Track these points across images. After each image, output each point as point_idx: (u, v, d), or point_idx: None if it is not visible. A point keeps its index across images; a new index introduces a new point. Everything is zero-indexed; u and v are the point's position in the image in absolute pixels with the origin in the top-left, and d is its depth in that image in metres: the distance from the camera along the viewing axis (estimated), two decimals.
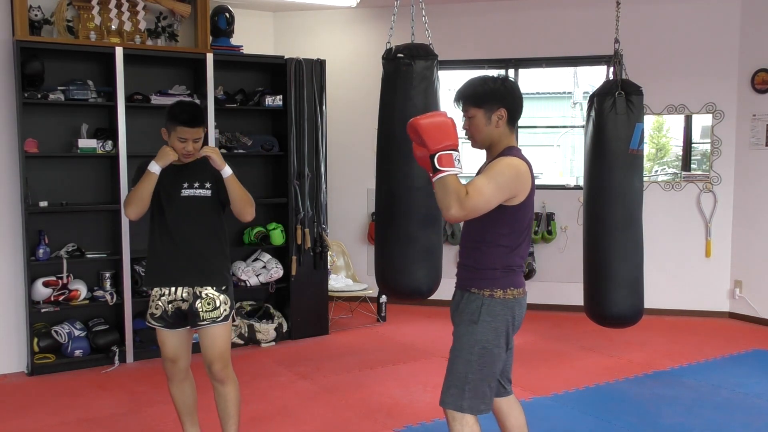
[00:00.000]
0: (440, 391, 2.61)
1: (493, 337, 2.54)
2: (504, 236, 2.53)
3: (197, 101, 5.21)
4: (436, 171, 2.31)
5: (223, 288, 3.10)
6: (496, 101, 2.53)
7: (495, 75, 2.62)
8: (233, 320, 3.21)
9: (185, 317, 3.09)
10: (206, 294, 3.05)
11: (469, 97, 2.55)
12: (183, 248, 3.06)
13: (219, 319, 3.05)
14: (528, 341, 5.44)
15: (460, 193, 2.31)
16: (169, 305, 3.07)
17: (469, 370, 2.52)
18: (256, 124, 5.78)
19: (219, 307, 3.06)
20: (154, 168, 3.00)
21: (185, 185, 3.06)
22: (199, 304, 3.04)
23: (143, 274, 3.25)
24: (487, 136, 2.55)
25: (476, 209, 2.37)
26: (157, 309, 3.10)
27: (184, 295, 3.06)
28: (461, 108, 2.60)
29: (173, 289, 3.07)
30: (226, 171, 3.03)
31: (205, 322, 3.04)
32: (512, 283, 2.56)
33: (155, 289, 3.11)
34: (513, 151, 2.54)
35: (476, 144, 2.62)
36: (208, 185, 3.08)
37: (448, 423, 2.58)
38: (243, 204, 3.07)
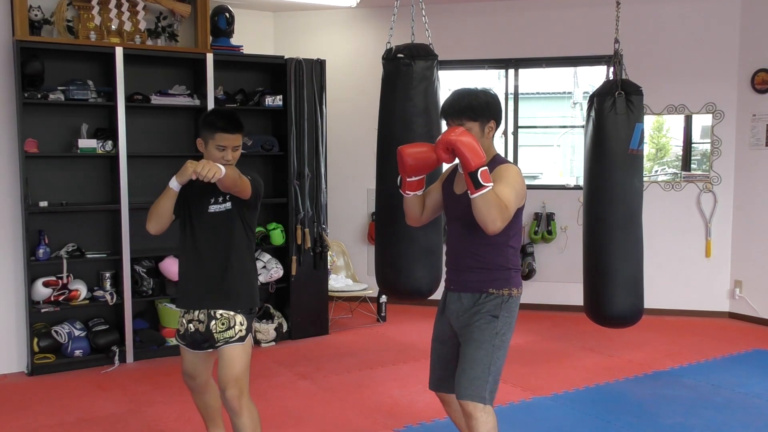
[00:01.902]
0: (456, 386, 2.63)
1: (508, 331, 2.66)
2: (510, 237, 2.66)
3: (197, 101, 5.22)
4: (479, 186, 2.40)
5: (240, 309, 2.94)
6: (489, 114, 2.64)
7: (477, 87, 2.70)
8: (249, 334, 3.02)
9: (203, 340, 2.96)
10: (221, 314, 2.91)
11: (465, 110, 2.60)
12: (208, 268, 2.93)
13: (232, 340, 2.88)
14: (528, 341, 5.43)
15: (502, 206, 2.45)
16: (189, 324, 2.98)
17: (491, 362, 2.60)
18: (256, 124, 5.78)
19: (233, 326, 2.89)
20: (173, 184, 2.79)
21: (212, 201, 2.91)
22: (214, 325, 2.90)
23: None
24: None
25: (509, 219, 2.53)
26: (181, 327, 3.02)
27: (201, 316, 2.95)
28: (454, 121, 2.64)
29: (193, 310, 2.98)
30: (221, 172, 2.69)
31: (219, 343, 2.90)
32: (520, 282, 2.73)
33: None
34: (503, 158, 2.70)
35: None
36: (228, 197, 2.91)
37: (469, 416, 2.58)
38: (235, 185, 2.78)
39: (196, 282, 2.96)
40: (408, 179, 2.71)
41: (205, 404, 3.18)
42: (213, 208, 2.91)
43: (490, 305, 2.63)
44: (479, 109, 2.61)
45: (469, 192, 2.44)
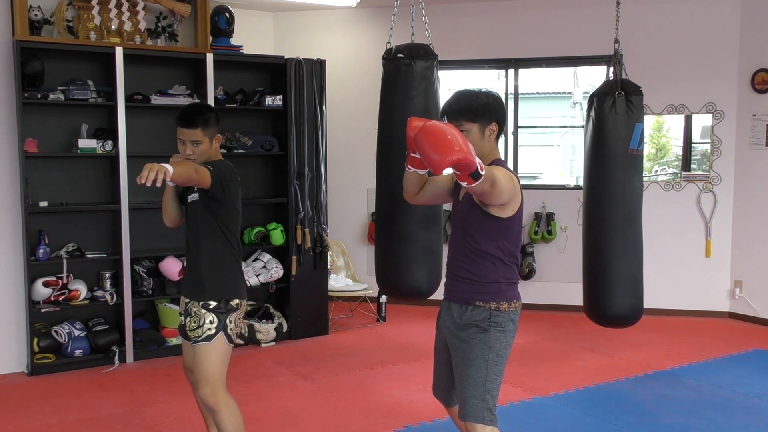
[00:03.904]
0: (458, 404, 2.56)
1: (503, 346, 2.54)
2: (500, 249, 2.54)
3: (197, 101, 5.22)
4: (478, 177, 2.24)
5: (213, 305, 2.88)
6: (490, 115, 2.54)
7: (480, 89, 2.60)
8: (229, 340, 2.92)
9: (183, 332, 3.03)
10: (194, 311, 2.90)
11: (464, 111, 2.50)
12: (188, 257, 3.02)
13: (200, 339, 2.85)
14: (528, 341, 5.43)
15: (491, 178, 2.31)
16: (181, 316, 3.04)
17: (486, 379, 2.48)
18: (256, 124, 5.78)
19: (202, 325, 2.86)
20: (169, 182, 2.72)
21: (191, 191, 2.96)
22: (188, 321, 2.93)
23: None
24: (479, 151, 2.51)
25: (499, 197, 2.39)
26: (180, 319, 3.07)
27: (184, 307, 3.00)
28: (452, 122, 2.53)
29: (182, 299, 3.04)
30: (170, 172, 2.59)
31: (191, 341, 2.90)
32: (515, 296, 2.60)
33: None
34: (501, 163, 2.58)
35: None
36: (196, 188, 2.90)
37: None
38: (189, 178, 2.72)
39: (186, 270, 3.06)
40: (412, 154, 2.54)
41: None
42: (190, 198, 2.96)
43: (477, 319, 2.52)
44: (479, 109, 2.51)
45: (466, 184, 2.27)
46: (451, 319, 2.61)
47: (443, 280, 3.59)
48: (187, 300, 2.98)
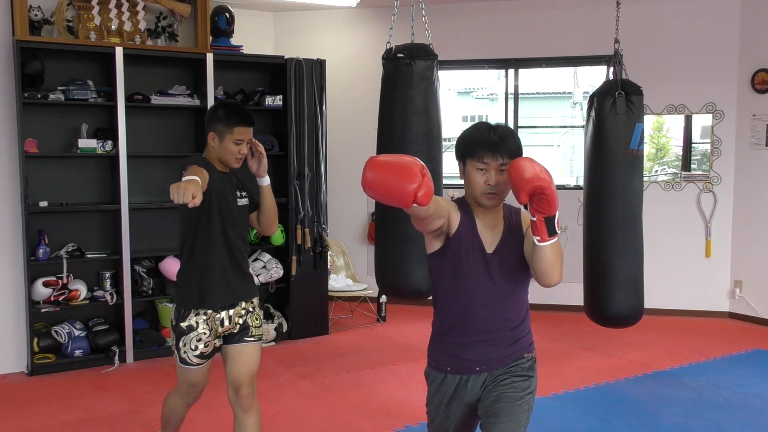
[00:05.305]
0: None
1: (535, 392, 2.35)
2: (526, 301, 2.39)
3: (197, 101, 5.22)
4: (554, 233, 2.07)
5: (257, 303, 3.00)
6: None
7: (499, 123, 2.32)
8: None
9: (227, 337, 2.90)
10: (253, 308, 2.92)
11: (516, 149, 2.19)
12: (239, 259, 2.88)
13: (262, 337, 2.96)
14: None
15: (562, 254, 2.16)
16: (214, 332, 2.84)
17: (526, 421, 2.25)
18: (256, 124, 5.76)
19: (261, 325, 2.97)
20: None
21: (238, 195, 2.88)
22: (251, 318, 2.91)
23: (180, 295, 2.93)
24: (508, 193, 2.25)
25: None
26: (205, 344, 2.86)
27: (242, 311, 2.88)
28: (495, 159, 2.17)
29: (211, 313, 2.81)
30: (267, 179, 2.89)
31: (252, 339, 2.93)
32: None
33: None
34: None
35: (498, 202, 2.23)
36: (246, 192, 2.93)
37: None
38: (275, 215, 2.99)
39: (232, 276, 2.85)
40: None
41: (184, 411, 3.07)
42: (240, 202, 2.91)
43: (523, 368, 2.29)
44: (518, 151, 2.20)
45: (538, 240, 2.06)
46: (491, 378, 2.28)
47: None
48: (235, 304, 2.84)
